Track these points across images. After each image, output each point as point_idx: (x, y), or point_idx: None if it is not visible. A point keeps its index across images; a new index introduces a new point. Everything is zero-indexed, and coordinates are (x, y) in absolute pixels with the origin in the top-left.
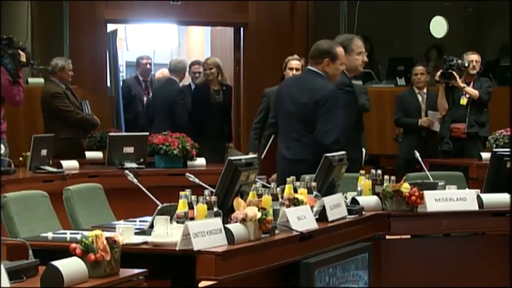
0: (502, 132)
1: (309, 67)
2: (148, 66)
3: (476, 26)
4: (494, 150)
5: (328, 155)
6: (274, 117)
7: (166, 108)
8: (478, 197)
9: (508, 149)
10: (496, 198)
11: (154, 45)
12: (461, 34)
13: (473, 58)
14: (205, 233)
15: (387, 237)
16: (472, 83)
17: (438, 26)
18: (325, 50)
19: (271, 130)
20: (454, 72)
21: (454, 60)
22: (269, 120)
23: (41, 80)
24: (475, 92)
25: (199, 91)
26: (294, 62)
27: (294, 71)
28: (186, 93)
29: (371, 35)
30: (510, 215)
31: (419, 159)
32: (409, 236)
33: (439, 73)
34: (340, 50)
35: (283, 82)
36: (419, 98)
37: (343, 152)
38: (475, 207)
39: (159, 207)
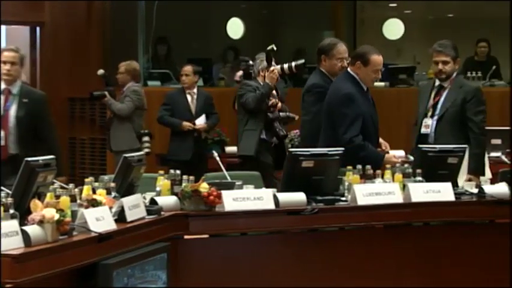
0: (296, 133)
1: (347, 69)
2: None
3: (271, 28)
4: (290, 150)
5: (126, 155)
6: None
7: None
8: (274, 196)
9: (302, 149)
10: (292, 197)
11: None
12: (258, 35)
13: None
14: (1, 235)
15: (186, 237)
16: None
17: (235, 27)
18: (359, 53)
19: None
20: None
21: (251, 61)
22: None
23: None
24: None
25: None
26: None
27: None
28: None
29: (169, 36)
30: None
31: (218, 159)
32: (207, 236)
33: (239, 73)
34: (374, 57)
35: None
36: (189, 99)
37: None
38: (272, 206)
39: None
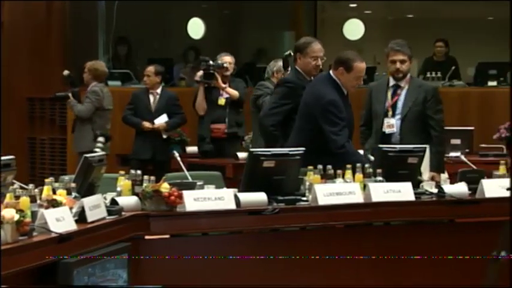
0: None
1: (330, 71)
2: None
3: (232, 28)
4: (251, 149)
5: (87, 155)
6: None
7: None
8: (236, 196)
9: (263, 149)
10: (253, 197)
11: None
12: (218, 36)
13: (227, 60)
14: None
15: (147, 237)
16: (227, 84)
17: (195, 28)
18: (343, 59)
19: None
20: (216, 73)
21: (211, 61)
22: None
23: None
24: (235, 93)
25: None
26: None
27: None
28: None
29: (129, 36)
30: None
31: (179, 159)
32: (168, 236)
33: (200, 73)
34: (358, 64)
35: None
36: (151, 99)
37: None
38: (233, 206)
39: None
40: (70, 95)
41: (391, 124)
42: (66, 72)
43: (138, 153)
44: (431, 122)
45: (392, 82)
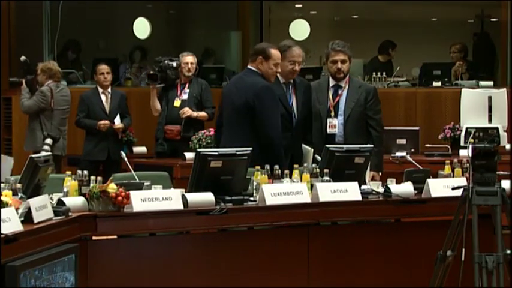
0: (204, 133)
1: (248, 66)
2: None
3: (179, 28)
4: (198, 150)
5: (34, 156)
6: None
7: None
8: (183, 197)
9: (210, 149)
10: (200, 197)
11: None
12: (165, 36)
13: (188, 60)
14: None
15: (94, 237)
16: (187, 84)
17: (141, 27)
18: (260, 49)
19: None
20: (160, 74)
21: (166, 62)
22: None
23: None
24: (204, 114)
25: None
26: None
27: None
28: None
29: (75, 36)
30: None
31: (126, 159)
32: (115, 236)
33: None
34: (275, 51)
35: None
36: (103, 98)
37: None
38: (180, 207)
39: None
40: (23, 81)
41: (334, 124)
42: (23, 58)
43: (92, 154)
44: (371, 122)
45: (332, 82)
